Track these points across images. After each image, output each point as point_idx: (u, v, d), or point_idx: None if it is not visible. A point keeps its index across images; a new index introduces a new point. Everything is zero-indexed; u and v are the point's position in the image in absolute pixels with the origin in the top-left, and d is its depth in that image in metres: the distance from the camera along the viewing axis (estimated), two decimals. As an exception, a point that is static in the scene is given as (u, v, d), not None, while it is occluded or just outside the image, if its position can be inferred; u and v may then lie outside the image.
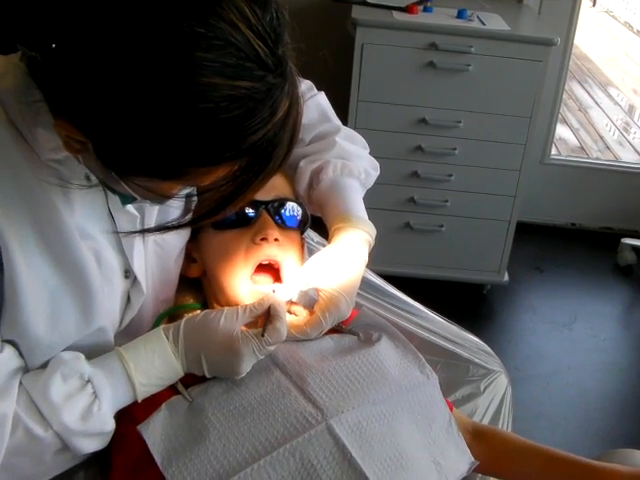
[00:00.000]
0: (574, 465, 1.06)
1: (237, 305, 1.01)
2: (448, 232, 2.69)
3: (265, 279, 1.08)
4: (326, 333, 1.08)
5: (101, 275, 0.94)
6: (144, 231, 0.97)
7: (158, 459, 0.91)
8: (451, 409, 1.10)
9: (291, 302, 1.08)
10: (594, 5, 8.70)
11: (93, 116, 0.70)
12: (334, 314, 1.05)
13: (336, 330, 1.10)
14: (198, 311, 1.03)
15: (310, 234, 1.41)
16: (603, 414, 2.39)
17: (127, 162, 0.73)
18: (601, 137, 4.91)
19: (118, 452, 0.97)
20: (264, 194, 1.08)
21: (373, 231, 1.12)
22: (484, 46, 2.39)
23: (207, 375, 0.97)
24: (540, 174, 3.22)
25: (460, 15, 2.46)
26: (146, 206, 0.98)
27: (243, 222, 1.08)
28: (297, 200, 1.16)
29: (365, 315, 1.16)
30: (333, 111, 1.26)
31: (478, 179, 2.60)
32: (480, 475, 1.19)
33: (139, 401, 0.93)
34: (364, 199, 1.18)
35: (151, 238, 1.03)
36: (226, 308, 0.99)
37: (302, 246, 1.17)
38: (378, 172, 1.25)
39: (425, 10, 2.50)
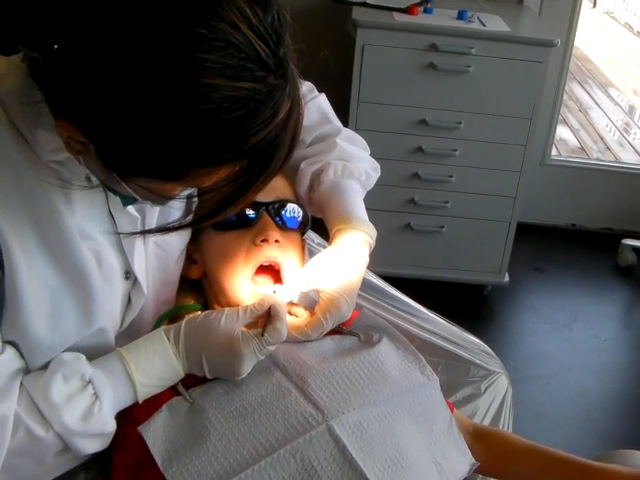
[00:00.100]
0: (575, 466, 1.06)
1: (238, 306, 1.01)
2: (448, 233, 2.69)
3: (266, 280, 1.08)
4: (327, 334, 1.08)
5: (102, 276, 0.94)
6: (145, 232, 0.97)
7: (159, 460, 0.91)
8: (452, 410, 1.10)
9: (292, 303, 1.08)
10: (594, 6, 8.70)
11: (95, 117, 0.70)
12: (335, 315, 1.05)
13: (337, 331, 1.10)
14: (199, 312, 1.03)
15: (311, 235, 1.41)
16: (604, 415, 2.39)
17: (128, 163, 0.74)
18: (601, 138, 4.91)
19: (119, 453, 0.97)
20: (265, 195, 1.08)
21: (374, 232, 1.12)
22: (484, 47, 2.39)
23: (208, 376, 0.97)
24: (540, 175, 3.22)
25: (460, 16, 2.46)
26: (147, 207, 0.98)
27: (244, 223, 1.08)
28: (298, 201, 1.16)
29: (366, 316, 1.17)
30: (334, 113, 1.26)
31: (478, 180, 2.60)
32: (481, 476, 1.19)
33: (140, 402, 0.93)
34: (365, 200, 1.18)
35: (152, 239, 1.03)
36: (227, 309, 0.99)
37: (303, 247, 1.17)
38: (379, 173, 1.25)
39: (425, 11, 2.50)
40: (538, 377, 2.50)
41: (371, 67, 2.41)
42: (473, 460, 1.05)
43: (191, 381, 0.98)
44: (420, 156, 2.55)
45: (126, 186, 0.79)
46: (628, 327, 2.90)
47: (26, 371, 0.90)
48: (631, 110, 5.83)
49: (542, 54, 2.39)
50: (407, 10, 2.46)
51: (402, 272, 2.60)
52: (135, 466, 0.94)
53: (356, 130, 1.28)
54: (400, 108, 2.49)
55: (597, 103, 5.72)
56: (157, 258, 1.06)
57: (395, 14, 2.44)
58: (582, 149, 4.63)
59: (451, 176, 2.59)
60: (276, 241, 1.07)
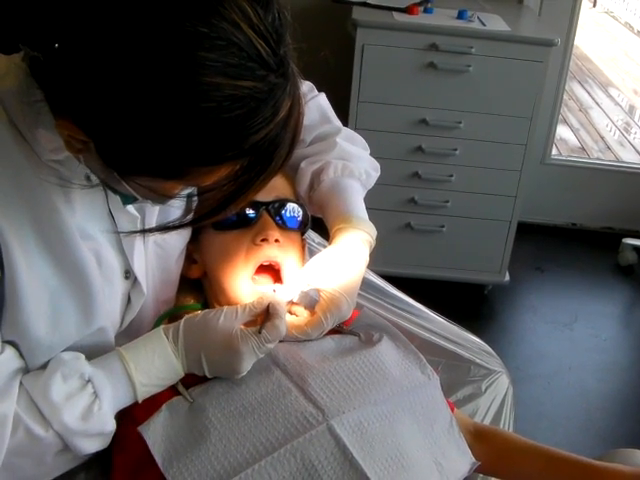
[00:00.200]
0: (576, 465, 1.06)
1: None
2: (449, 232, 2.69)
3: (266, 280, 1.08)
4: (327, 333, 1.08)
5: (101, 276, 0.94)
6: (145, 231, 0.97)
7: (159, 460, 0.90)
8: (452, 409, 1.10)
9: (292, 303, 1.08)
10: (594, 6, 8.70)
11: (95, 115, 0.70)
12: (335, 315, 1.05)
13: (337, 331, 1.10)
14: (199, 312, 1.03)
15: (311, 235, 1.41)
16: (604, 414, 2.39)
17: (129, 161, 0.73)
18: (602, 137, 4.91)
19: (119, 453, 0.97)
20: (265, 195, 1.08)
21: (374, 232, 1.12)
22: (484, 47, 2.39)
23: (208, 375, 0.97)
24: (541, 174, 3.22)
25: (460, 16, 2.46)
26: (147, 207, 0.98)
27: (244, 223, 1.08)
28: (298, 201, 1.16)
29: (366, 315, 1.16)
30: (333, 112, 1.26)
31: (479, 179, 2.60)
32: (481, 475, 1.19)
33: (140, 401, 0.93)
34: (365, 200, 1.18)
35: (151, 239, 1.03)
36: (225, 307, 0.99)
37: (303, 247, 1.17)
38: (379, 173, 1.25)
39: (425, 11, 2.50)
40: (539, 376, 2.50)
41: (371, 67, 2.41)
42: (474, 459, 1.05)
43: (191, 381, 0.98)
44: (420, 155, 2.55)
45: (126, 185, 0.79)
46: (629, 326, 2.90)
47: (26, 371, 0.90)
48: (631, 110, 5.83)
49: (542, 53, 2.39)
50: (407, 10, 2.46)
51: (402, 271, 2.60)
52: (135, 466, 0.94)
53: (356, 129, 1.28)
54: (400, 107, 2.49)
55: (597, 103, 5.72)
56: (157, 258, 1.06)
57: (395, 14, 2.44)
58: (582, 149, 4.63)
59: (451, 175, 2.59)
60: (276, 240, 1.07)
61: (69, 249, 0.88)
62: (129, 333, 1.02)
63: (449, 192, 2.62)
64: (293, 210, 1.13)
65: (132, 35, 0.66)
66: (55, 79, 0.71)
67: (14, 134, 0.82)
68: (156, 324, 1.07)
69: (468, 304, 2.81)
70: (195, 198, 0.91)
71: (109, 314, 0.97)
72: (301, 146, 1.19)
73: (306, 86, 1.22)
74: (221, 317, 0.97)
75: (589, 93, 5.94)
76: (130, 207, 0.96)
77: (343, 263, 1.07)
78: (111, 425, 0.91)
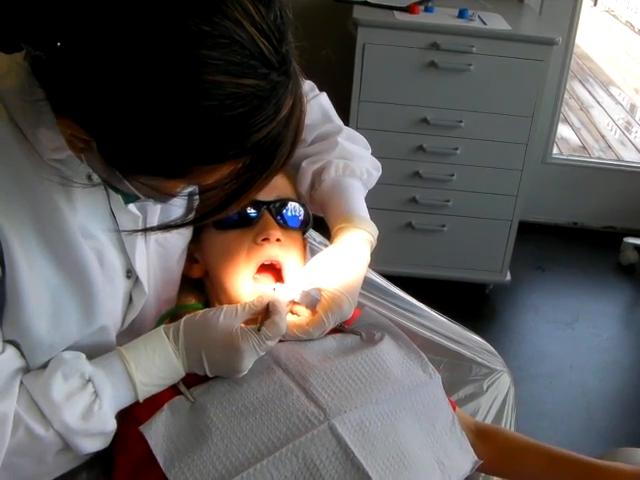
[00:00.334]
0: (577, 464, 1.05)
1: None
2: (450, 232, 2.69)
3: (267, 279, 1.08)
4: (328, 333, 1.08)
5: (103, 275, 0.93)
6: (147, 230, 0.97)
7: (160, 460, 0.90)
8: (454, 408, 1.10)
9: (293, 302, 1.08)
10: (595, 4, 8.70)
11: (97, 114, 0.70)
12: (336, 314, 1.05)
13: (338, 330, 1.10)
14: (199, 311, 1.03)
15: (312, 234, 1.41)
16: (606, 413, 2.39)
17: (131, 160, 0.73)
18: (603, 136, 4.91)
19: (120, 453, 0.97)
20: (266, 194, 1.08)
21: (375, 231, 1.12)
22: (485, 46, 2.38)
23: (209, 374, 0.97)
24: (542, 173, 3.22)
25: (461, 15, 2.46)
26: (149, 206, 0.98)
27: (245, 222, 1.08)
28: (299, 200, 1.16)
29: (367, 315, 1.16)
30: (335, 111, 1.27)
31: (480, 179, 2.60)
32: (483, 474, 1.19)
33: (140, 401, 0.93)
34: (366, 199, 1.18)
35: (153, 238, 1.03)
36: (225, 306, 0.99)
37: (304, 246, 1.17)
38: (380, 172, 1.25)
39: (426, 10, 2.50)
40: (540, 376, 2.50)
41: (372, 66, 2.41)
42: (476, 458, 1.05)
43: (192, 380, 0.98)
44: (421, 155, 2.55)
45: (128, 184, 0.78)
46: (630, 325, 2.90)
47: (26, 370, 0.90)
48: (632, 108, 5.83)
49: (543, 52, 2.39)
50: (408, 9, 2.46)
51: (403, 271, 2.60)
52: (137, 465, 0.94)
53: (357, 129, 1.28)
54: (401, 107, 2.49)
55: (598, 101, 5.72)
56: (158, 257, 1.06)
57: (396, 13, 2.45)
58: (583, 148, 4.63)
59: (452, 175, 2.59)
60: (277, 240, 1.07)
61: (70, 248, 0.88)
62: (130, 332, 1.02)
63: (450, 191, 2.62)
64: (294, 209, 1.13)
65: (134, 34, 0.66)
66: (57, 78, 0.71)
67: (15, 133, 0.82)
68: (158, 323, 1.07)
69: (469, 303, 2.81)
70: (197, 197, 0.91)
71: (110, 313, 0.97)
72: (302, 145, 1.19)
73: (307, 85, 1.22)
74: (221, 316, 0.97)
75: (590, 92, 5.94)
76: (132, 206, 0.96)
77: (344, 262, 1.07)
78: (112, 424, 0.91)
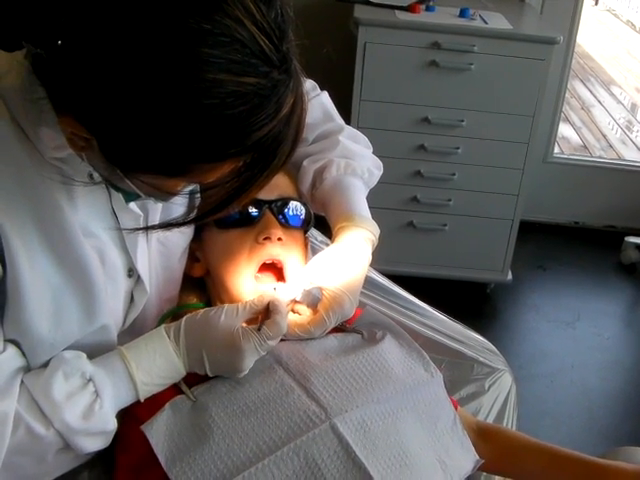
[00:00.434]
0: (579, 463, 1.05)
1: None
2: (451, 231, 2.69)
3: (268, 278, 1.08)
4: (330, 332, 1.08)
5: (104, 274, 0.93)
6: (148, 228, 0.97)
7: (162, 459, 0.90)
8: (456, 407, 1.10)
9: (295, 301, 1.08)
10: (596, 4, 8.69)
11: (98, 112, 0.70)
12: (338, 313, 1.05)
13: (340, 329, 1.10)
14: (200, 310, 1.03)
15: (313, 233, 1.41)
16: (607, 412, 2.39)
17: (132, 159, 0.73)
18: (604, 135, 4.90)
19: (122, 452, 0.97)
20: (267, 193, 1.08)
21: (376, 230, 1.12)
22: (487, 45, 2.38)
23: (209, 374, 0.97)
24: (543, 173, 3.22)
25: (462, 14, 2.46)
26: (150, 205, 0.98)
27: (246, 221, 1.08)
28: (300, 199, 1.16)
29: (369, 314, 1.16)
30: (336, 110, 1.26)
31: (481, 178, 2.60)
32: (485, 474, 1.19)
33: (141, 400, 0.93)
34: (367, 198, 1.18)
35: (154, 237, 1.03)
36: (226, 305, 0.99)
37: (305, 245, 1.17)
38: (381, 171, 1.25)
39: (427, 9, 2.50)
40: (541, 375, 2.50)
41: (373, 65, 2.41)
42: (477, 457, 1.05)
43: (194, 380, 0.98)
44: (422, 154, 2.55)
45: (129, 182, 0.78)
46: (631, 325, 2.90)
47: (27, 369, 0.90)
48: (633, 108, 5.83)
49: (544, 52, 2.39)
50: (409, 8, 2.45)
51: (405, 270, 2.60)
52: (138, 465, 0.94)
53: (358, 128, 1.28)
54: (402, 106, 2.48)
55: (599, 101, 5.72)
56: (160, 256, 1.06)
57: (397, 12, 2.44)
58: (584, 147, 4.63)
59: (454, 174, 2.58)
60: (279, 239, 1.07)
61: (72, 247, 0.88)
62: (132, 332, 1.02)
63: (451, 190, 2.62)
64: (296, 208, 1.13)
65: (135, 32, 0.66)
66: (58, 76, 0.71)
67: (16, 132, 0.82)
68: (159, 323, 1.07)
69: (470, 303, 2.81)
70: (198, 195, 0.91)
71: (112, 312, 0.97)
72: (304, 144, 1.19)
73: (309, 84, 1.22)
74: (222, 315, 0.97)
75: (591, 91, 5.93)
76: (133, 205, 0.95)
77: (346, 261, 1.07)
78: (112, 424, 0.91)
